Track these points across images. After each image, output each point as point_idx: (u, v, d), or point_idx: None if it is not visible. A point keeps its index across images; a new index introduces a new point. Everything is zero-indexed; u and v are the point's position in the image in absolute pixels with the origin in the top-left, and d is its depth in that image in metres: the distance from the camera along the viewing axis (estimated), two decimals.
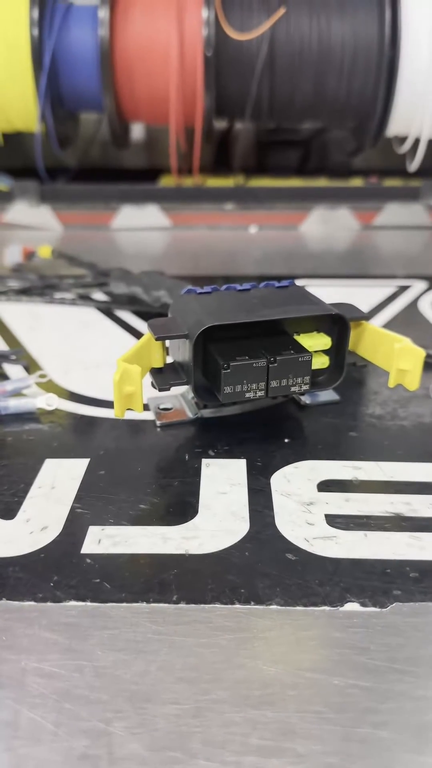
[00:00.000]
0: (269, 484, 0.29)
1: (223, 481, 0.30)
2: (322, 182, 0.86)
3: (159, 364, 0.33)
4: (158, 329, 0.31)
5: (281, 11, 0.67)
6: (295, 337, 0.32)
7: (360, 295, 0.56)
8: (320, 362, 0.32)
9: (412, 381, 0.32)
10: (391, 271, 0.63)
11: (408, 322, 0.50)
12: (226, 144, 0.94)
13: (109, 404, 0.36)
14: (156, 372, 0.33)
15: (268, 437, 0.33)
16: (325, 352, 0.33)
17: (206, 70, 0.70)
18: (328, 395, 0.37)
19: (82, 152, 0.91)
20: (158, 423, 0.34)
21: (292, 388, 0.31)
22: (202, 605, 0.23)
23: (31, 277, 0.55)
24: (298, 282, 0.59)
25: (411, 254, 0.72)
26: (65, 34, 0.72)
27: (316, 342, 0.32)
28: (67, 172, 0.88)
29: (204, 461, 0.31)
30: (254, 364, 0.30)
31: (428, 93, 0.71)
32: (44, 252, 0.57)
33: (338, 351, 0.33)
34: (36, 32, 0.69)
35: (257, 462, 0.31)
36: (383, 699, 0.19)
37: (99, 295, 0.53)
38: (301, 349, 0.31)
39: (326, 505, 0.28)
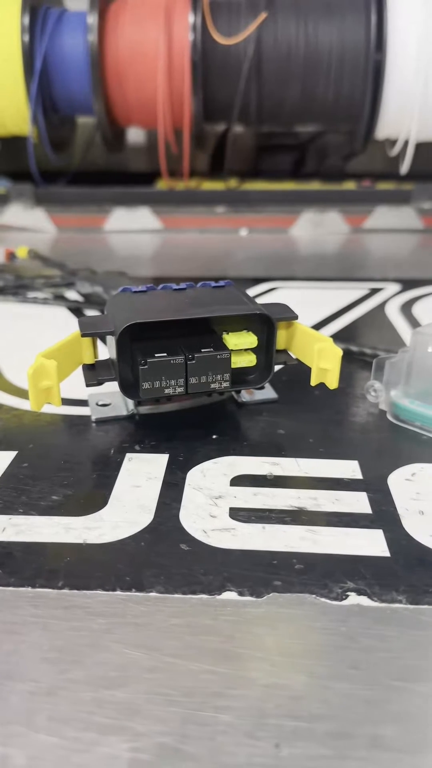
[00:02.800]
0: (185, 478, 0.30)
1: (140, 475, 0.30)
2: (314, 186, 0.86)
3: (90, 361, 0.33)
4: (85, 326, 0.32)
5: (263, 16, 0.68)
6: (224, 336, 0.33)
7: (331, 296, 0.56)
8: (247, 360, 0.33)
9: (332, 380, 0.32)
10: (371, 274, 0.63)
11: (371, 323, 0.50)
12: (224, 148, 0.95)
13: None
14: (87, 368, 0.34)
15: (197, 434, 0.34)
16: (255, 351, 0.33)
17: (193, 75, 0.71)
18: (266, 394, 0.37)
19: (82, 156, 0.92)
20: (93, 418, 0.35)
21: (212, 385, 0.32)
22: (85, 591, 0.23)
23: (7, 277, 0.56)
24: (273, 284, 0.60)
25: (395, 257, 0.72)
26: (58, 39, 0.74)
27: (242, 341, 0.32)
28: (69, 175, 0.90)
29: (128, 456, 0.32)
30: (172, 361, 0.31)
31: (415, 95, 0.71)
32: (21, 253, 0.59)
33: (267, 350, 0.34)
34: (26, 38, 0.71)
35: (179, 457, 0.32)
36: (233, 685, 0.20)
37: (73, 295, 0.54)
38: (221, 347, 0.32)
39: (234, 498, 0.29)
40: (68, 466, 0.31)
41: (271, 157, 0.92)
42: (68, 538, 0.26)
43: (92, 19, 0.70)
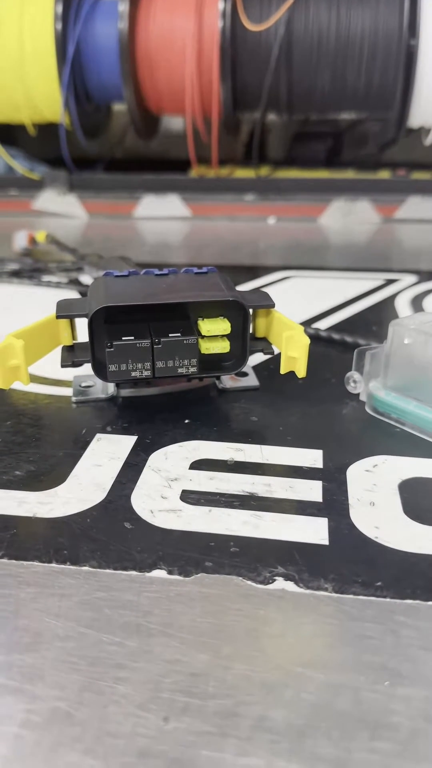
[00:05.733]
0: (146, 460, 0.31)
1: (104, 455, 0.31)
2: (347, 174, 0.85)
3: (68, 342, 0.34)
4: (61, 308, 0.33)
5: (290, 0, 0.67)
6: (198, 322, 0.33)
7: (344, 287, 0.56)
8: (221, 347, 0.33)
9: (300, 368, 0.32)
10: (392, 265, 0.62)
11: (377, 315, 0.50)
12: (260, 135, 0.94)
13: (39, 380, 0.38)
14: (65, 349, 0.34)
15: (171, 417, 0.34)
16: (230, 338, 0.33)
17: (222, 62, 0.71)
18: (248, 381, 0.38)
19: (118, 143, 0.94)
20: (73, 399, 0.36)
21: (179, 370, 0.32)
22: (22, 562, 0.24)
23: (26, 261, 0.58)
24: (287, 273, 0.60)
25: (421, 248, 0.70)
26: (91, 27, 0.75)
27: (215, 327, 0.33)
28: (109, 162, 0.91)
29: (97, 436, 0.33)
30: (138, 345, 0.31)
31: None
32: (40, 237, 0.60)
33: (243, 337, 0.34)
34: (59, 26, 0.72)
35: (146, 439, 0.32)
36: (137, 658, 0.20)
37: (88, 279, 0.55)
38: (189, 332, 0.32)
39: (189, 481, 0.29)
40: (38, 443, 0.32)
41: (306, 145, 0.91)
42: (19, 512, 0.27)
43: (123, 7, 0.71)
